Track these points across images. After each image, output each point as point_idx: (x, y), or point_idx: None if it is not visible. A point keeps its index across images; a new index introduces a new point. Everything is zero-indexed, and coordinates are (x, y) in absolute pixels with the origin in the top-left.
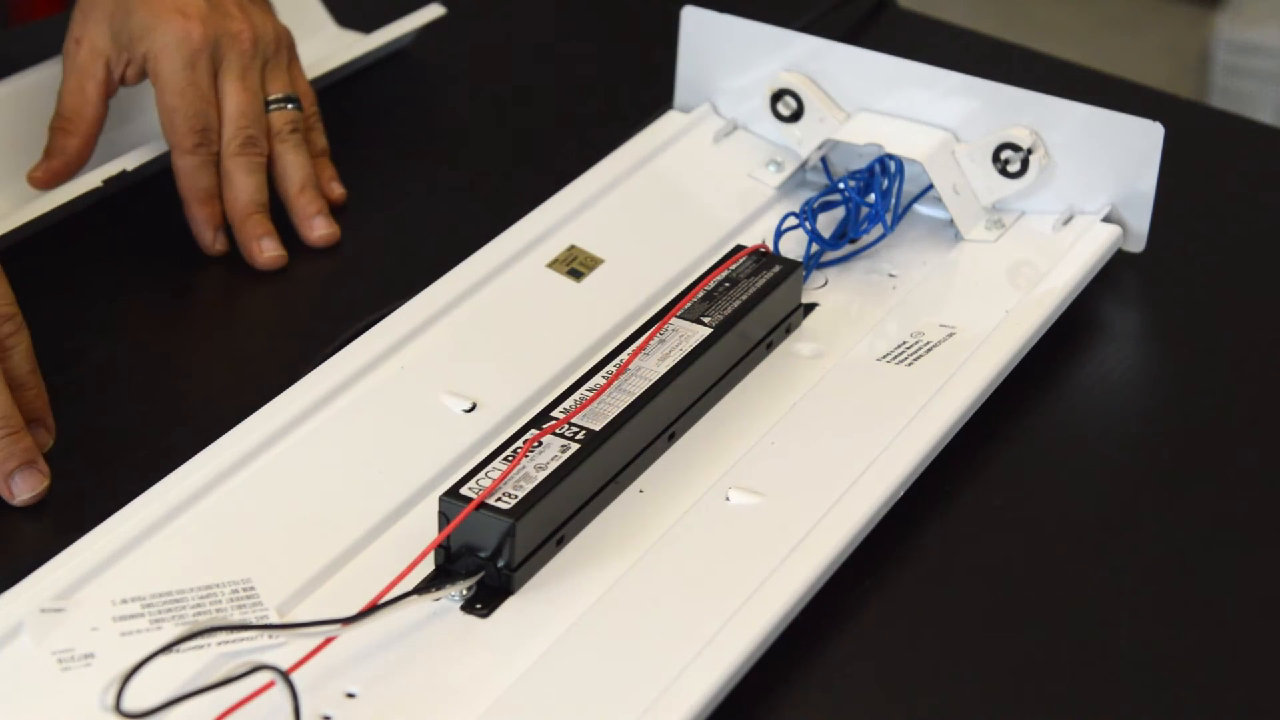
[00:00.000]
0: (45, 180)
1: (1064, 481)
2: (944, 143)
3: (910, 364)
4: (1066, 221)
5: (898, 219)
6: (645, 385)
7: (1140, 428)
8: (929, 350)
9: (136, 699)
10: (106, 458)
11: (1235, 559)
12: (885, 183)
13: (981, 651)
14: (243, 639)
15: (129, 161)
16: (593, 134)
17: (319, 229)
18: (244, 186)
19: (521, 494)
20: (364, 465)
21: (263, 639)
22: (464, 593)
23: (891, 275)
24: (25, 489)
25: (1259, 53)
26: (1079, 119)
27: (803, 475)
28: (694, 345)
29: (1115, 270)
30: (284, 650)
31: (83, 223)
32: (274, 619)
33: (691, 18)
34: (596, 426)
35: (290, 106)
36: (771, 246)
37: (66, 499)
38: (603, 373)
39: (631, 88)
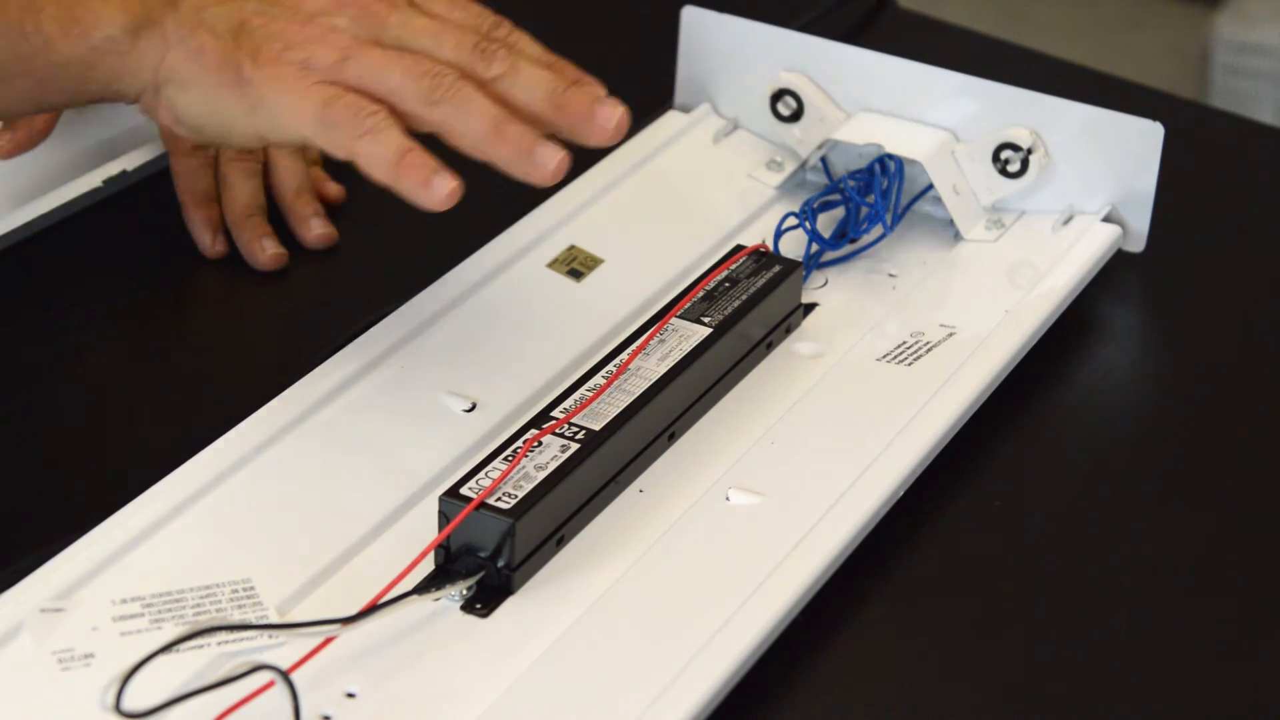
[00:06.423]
0: (9, 150)
1: (1064, 482)
2: (944, 143)
3: (910, 364)
4: (1066, 221)
5: (898, 219)
6: (645, 385)
7: (1140, 428)
8: (929, 350)
9: (136, 699)
10: (106, 458)
11: (1235, 559)
12: (885, 183)
13: (981, 652)
14: (243, 639)
15: (129, 161)
16: None
17: (316, 229)
18: (242, 190)
19: (521, 494)
20: (364, 465)
21: (263, 639)
22: (464, 593)
23: (891, 275)
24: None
25: (1259, 53)
26: (1079, 119)
27: (803, 475)
28: (694, 345)
29: (1115, 270)
30: (284, 650)
31: (83, 223)
32: (274, 619)
33: (691, 17)
34: (596, 426)
35: None
36: (771, 246)
37: (66, 499)
38: (603, 373)
39: (631, 88)
